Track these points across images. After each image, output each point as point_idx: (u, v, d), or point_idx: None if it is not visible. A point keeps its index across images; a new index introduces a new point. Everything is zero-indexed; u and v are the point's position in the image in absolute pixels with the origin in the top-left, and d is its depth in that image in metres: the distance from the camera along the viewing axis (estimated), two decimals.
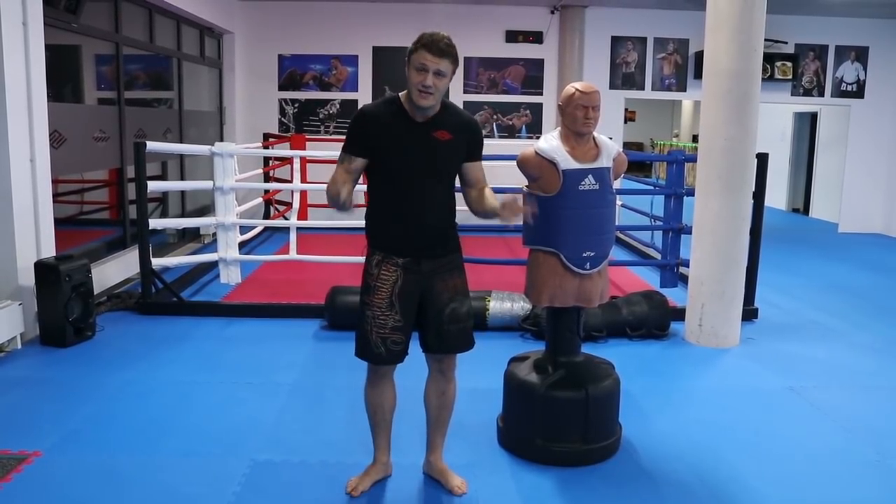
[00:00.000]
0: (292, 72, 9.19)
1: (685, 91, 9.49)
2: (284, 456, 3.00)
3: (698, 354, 4.51)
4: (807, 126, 11.83)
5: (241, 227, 5.80)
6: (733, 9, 4.36)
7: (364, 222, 2.60)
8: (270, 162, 8.06)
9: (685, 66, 9.35)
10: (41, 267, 4.34)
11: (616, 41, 9.27)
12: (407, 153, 2.45)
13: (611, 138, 3.17)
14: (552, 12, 9.10)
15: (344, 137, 2.54)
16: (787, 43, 9.34)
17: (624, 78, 9.35)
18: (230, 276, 5.50)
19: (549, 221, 2.94)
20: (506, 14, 9.09)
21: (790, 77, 9.35)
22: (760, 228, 5.16)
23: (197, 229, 7.70)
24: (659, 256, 6.20)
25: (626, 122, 12.08)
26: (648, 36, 9.27)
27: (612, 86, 9.27)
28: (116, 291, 5.54)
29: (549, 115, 9.26)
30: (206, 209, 7.98)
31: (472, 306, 2.70)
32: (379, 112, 2.48)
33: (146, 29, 6.72)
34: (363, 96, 9.14)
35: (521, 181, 3.11)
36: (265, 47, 9.07)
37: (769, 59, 8.98)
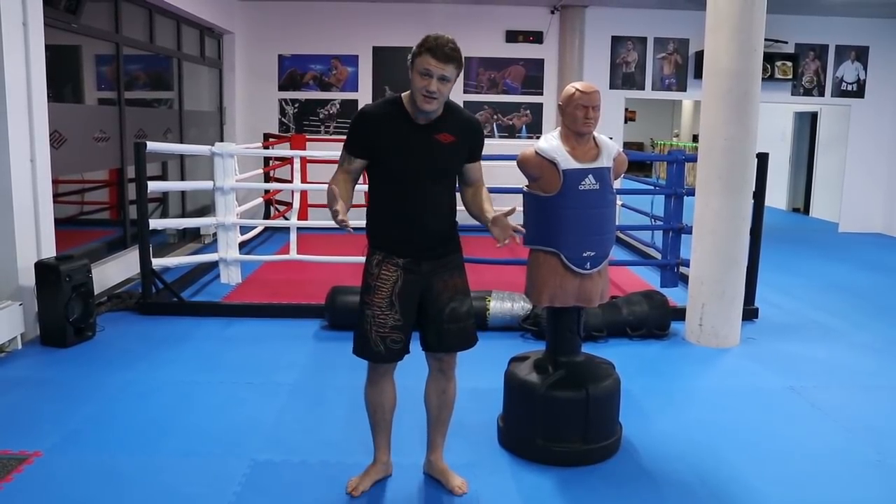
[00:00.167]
0: (292, 72, 9.19)
1: (685, 91, 9.49)
2: (285, 456, 3.00)
3: (698, 354, 4.51)
4: (807, 126, 11.83)
5: (241, 227, 5.80)
6: (733, 8, 4.36)
7: (365, 222, 2.60)
8: (271, 162, 8.07)
9: (685, 65, 9.35)
10: (41, 267, 4.34)
11: (616, 41, 9.27)
12: (408, 155, 2.44)
13: (611, 138, 3.17)
14: (552, 12, 9.10)
15: (344, 138, 2.53)
16: (787, 43, 9.34)
17: (624, 78, 9.35)
18: (230, 277, 5.50)
19: (550, 221, 2.94)
20: (506, 14, 9.09)
21: (790, 77, 9.35)
22: (761, 228, 5.16)
23: (197, 229, 7.70)
24: (659, 256, 6.20)
25: (626, 121, 12.07)
26: (648, 36, 9.27)
27: (613, 86, 9.27)
28: (117, 292, 5.54)
29: (550, 115, 9.26)
30: (207, 209, 7.99)
31: (473, 305, 2.70)
32: (380, 113, 2.46)
33: (146, 29, 6.72)
34: (363, 96, 9.14)
35: (521, 181, 3.11)
36: (265, 47, 9.07)
37: (769, 58, 8.98)
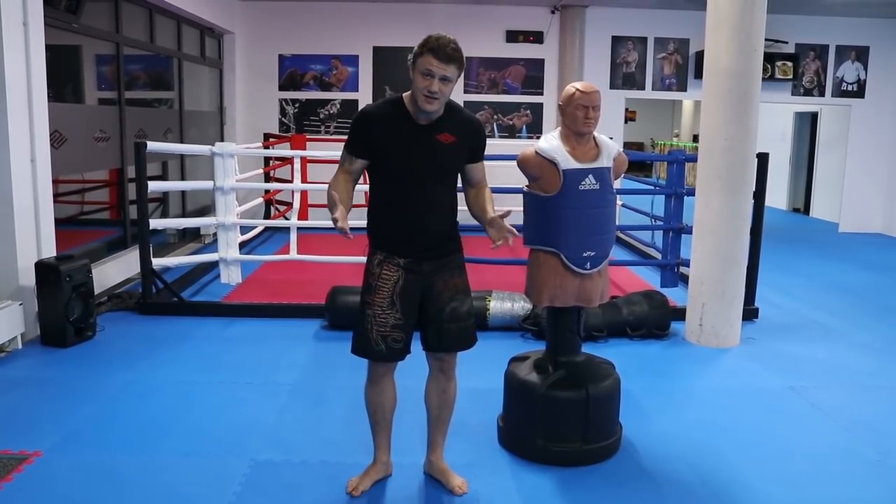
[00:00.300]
0: (293, 72, 9.19)
1: (685, 91, 9.49)
2: (285, 456, 3.00)
3: (699, 354, 4.51)
4: (807, 126, 11.83)
5: (241, 227, 5.80)
6: (733, 8, 4.35)
7: (366, 222, 2.60)
8: (271, 162, 8.07)
9: (685, 65, 9.35)
10: (42, 267, 4.34)
11: (616, 41, 9.27)
12: (409, 156, 2.44)
13: (611, 138, 3.17)
14: (552, 12, 9.10)
15: (344, 137, 2.54)
16: (787, 42, 9.34)
17: (624, 78, 9.35)
18: (231, 277, 5.50)
19: (550, 221, 2.95)
20: (506, 14, 9.09)
21: (790, 77, 9.35)
22: (761, 228, 5.16)
23: (197, 229, 7.70)
24: (659, 256, 6.20)
25: (626, 121, 12.08)
26: (649, 36, 9.27)
27: (613, 86, 9.27)
28: (117, 291, 5.54)
29: (550, 115, 9.26)
30: (207, 209, 7.99)
31: (474, 305, 2.70)
32: (381, 113, 2.46)
33: (146, 29, 6.72)
34: (363, 96, 9.14)
35: (521, 181, 3.11)
36: (265, 47, 9.07)
37: (769, 58, 8.97)
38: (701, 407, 3.66)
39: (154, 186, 5.26)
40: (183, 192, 7.70)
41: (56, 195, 4.86)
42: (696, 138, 12.39)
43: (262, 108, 9.17)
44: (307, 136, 8.70)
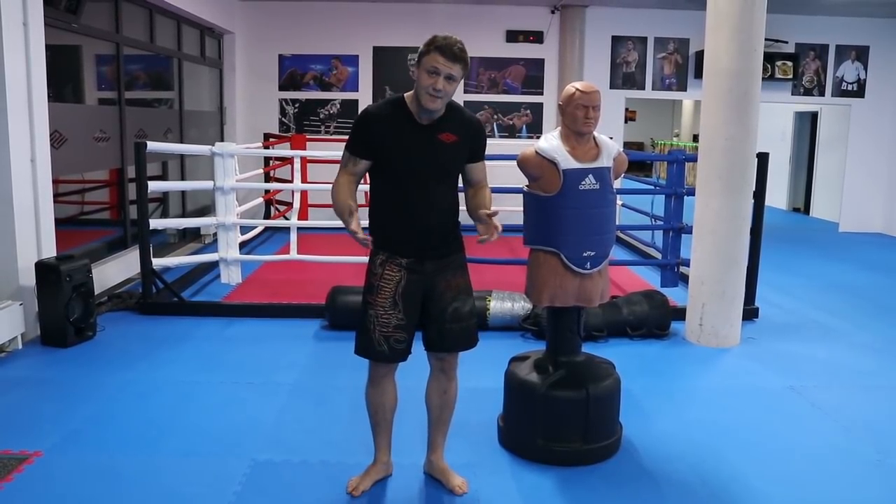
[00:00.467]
0: (293, 72, 9.19)
1: (685, 91, 9.49)
2: (285, 456, 3.00)
3: (699, 354, 4.51)
4: (807, 125, 11.82)
5: (241, 227, 5.80)
6: (733, 8, 4.35)
7: (368, 221, 2.60)
8: (271, 162, 8.07)
9: (685, 65, 9.35)
10: (42, 267, 4.34)
11: (616, 41, 9.27)
12: (411, 155, 2.45)
13: (611, 138, 3.17)
14: (552, 12, 9.10)
15: (344, 137, 2.54)
16: (787, 42, 9.34)
17: (624, 78, 9.35)
18: (231, 277, 5.50)
19: (550, 221, 2.95)
20: (506, 14, 9.09)
21: (790, 76, 9.35)
22: (761, 228, 5.16)
23: (197, 229, 7.70)
24: (659, 256, 6.20)
25: (626, 121, 12.08)
26: (649, 36, 9.27)
27: (613, 85, 9.27)
28: (117, 291, 5.54)
29: (550, 115, 9.26)
30: (207, 209, 7.99)
31: (476, 305, 2.70)
32: (383, 113, 2.46)
33: (146, 29, 6.72)
34: (364, 96, 9.14)
35: (521, 181, 3.11)
36: (265, 47, 9.07)
37: (769, 58, 8.97)
38: (701, 407, 3.66)
39: (154, 186, 5.27)
40: (183, 192, 7.70)
41: (56, 195, 4.86)
42: (696, 138, 12.39)
43: (262, 108, 9.17)
44: (307, 136, 8.70)
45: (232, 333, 4.74)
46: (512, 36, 9.19)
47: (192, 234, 7.81)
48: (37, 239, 4.49)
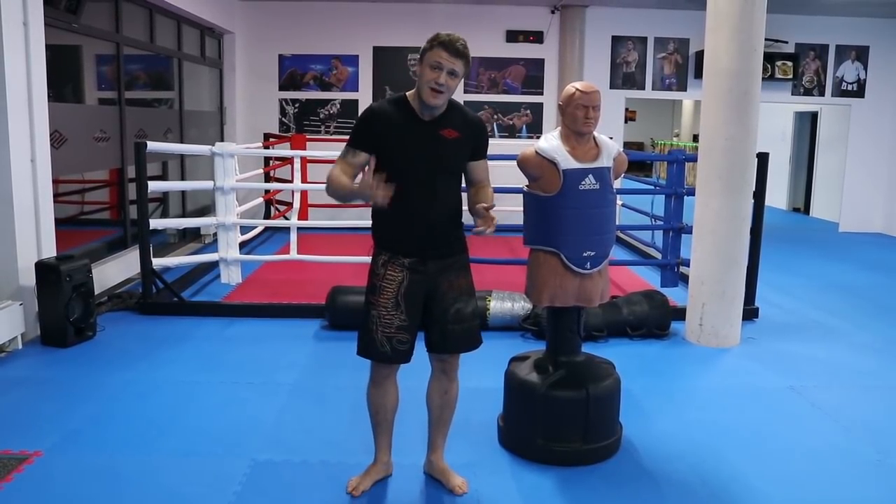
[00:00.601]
0: (293, 72, 9.19)
1: (685, 91, 9.49)
2: (285, 456, 3.00)
3: (699, 354, 4.51)
4: (807, 125, 11.83)
5: (241, 227, 5.80)
6: (733, 8, 4.35)
7: (370, 222, 2.60)
8: (271, 162, 8.07)
9: (685, 65, 9.35)
10: (42, 267, 4.34)
11: (616, 41, 9.28)
12: (413, 152, 2.45)
13: (611, 138, 3.18)
14: (552, 12, 9.10)
15: (344, 138, 2.54)
16: (787, 42, 9.34)
17: (624, 78, 9.35)
18: (231, 276, 5.50)
19: (550, 221, 2.95)
20: (506, 14, 9.10)
21: (790, 76, 9.35)
22: (761, 228, 5.16)
23: (197, 229, 7.70)
24: (659, 256, 6.20)
25: (626, 121, 12.08)
26: (649, 36, 9.27)
27: (613, 85, 9.27)
28: (117, 291, 5.54)
29: (550, 115, 9.26)
30: (207, 209, 7.99)
31: (478, 306, 2.70)
32: (387, 110, 2.47)
33: (147, 29, 6.72)
34: (364, 96, 9.14)
35: (521, 181, 3.11)
36: (265, 47, 9.07)
37: (769, 58, 8.97)
38: (701, 407, 3.66)
39: (154, 186, 5.27)
40: (183, 192, 7.70)
41: (56, 195, 4.86)
42: (696, 138, 12.39)
43: (262, 108, 9.17)
44: (307, 136, 8.70)
45: (232, 333, 4.74)
46: (512, 36, 9.19)
47: (192, 234, 7.81)
48: (37, 239, 4.49)
